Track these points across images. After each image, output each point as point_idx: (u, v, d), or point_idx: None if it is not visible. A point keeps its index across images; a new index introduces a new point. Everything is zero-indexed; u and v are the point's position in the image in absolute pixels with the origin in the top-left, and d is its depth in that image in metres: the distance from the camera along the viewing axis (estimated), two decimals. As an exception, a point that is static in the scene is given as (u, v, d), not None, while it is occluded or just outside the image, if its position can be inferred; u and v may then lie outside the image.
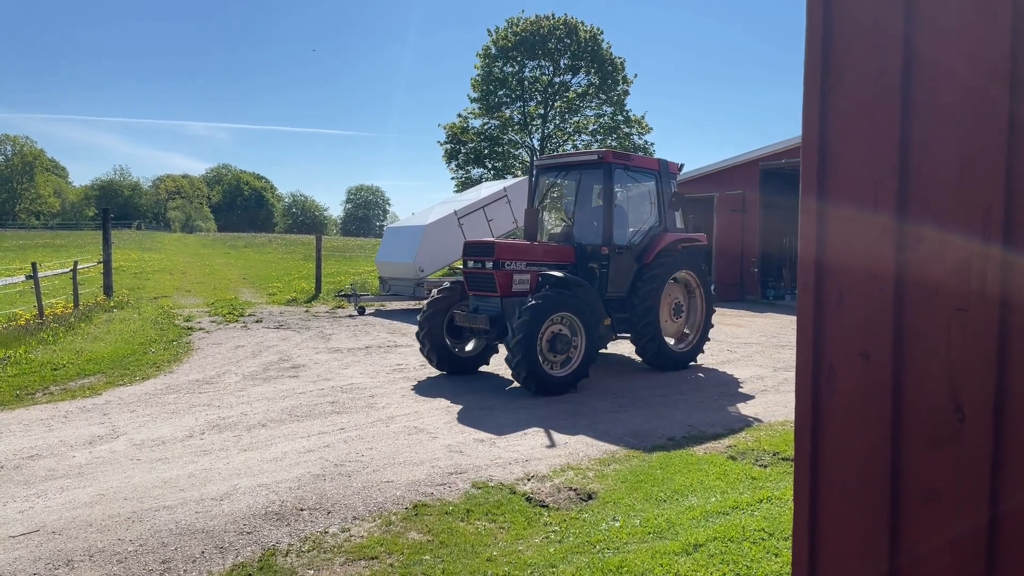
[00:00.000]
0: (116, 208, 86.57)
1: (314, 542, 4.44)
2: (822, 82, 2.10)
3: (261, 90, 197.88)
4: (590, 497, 5.29)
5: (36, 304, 13.19)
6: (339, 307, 17.73)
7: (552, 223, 13.08)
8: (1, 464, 5.83)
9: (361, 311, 16.78)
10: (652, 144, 38.70)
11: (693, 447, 6.50)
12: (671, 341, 10.43)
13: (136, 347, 11.05)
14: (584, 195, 10.36)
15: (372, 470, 5.78)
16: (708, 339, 10.84)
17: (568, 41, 35.31)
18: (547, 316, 8.30)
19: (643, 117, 37.85)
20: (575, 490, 5.43)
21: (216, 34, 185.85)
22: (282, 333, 13.36)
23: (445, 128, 37.14)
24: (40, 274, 13.29)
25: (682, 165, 10.79)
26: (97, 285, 17.33)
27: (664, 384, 9.28)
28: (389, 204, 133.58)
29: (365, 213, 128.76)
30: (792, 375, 6.00)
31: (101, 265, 17.50)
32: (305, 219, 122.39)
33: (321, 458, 6.06)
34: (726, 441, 6.71)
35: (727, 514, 4.82)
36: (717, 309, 11.89)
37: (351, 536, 4.54)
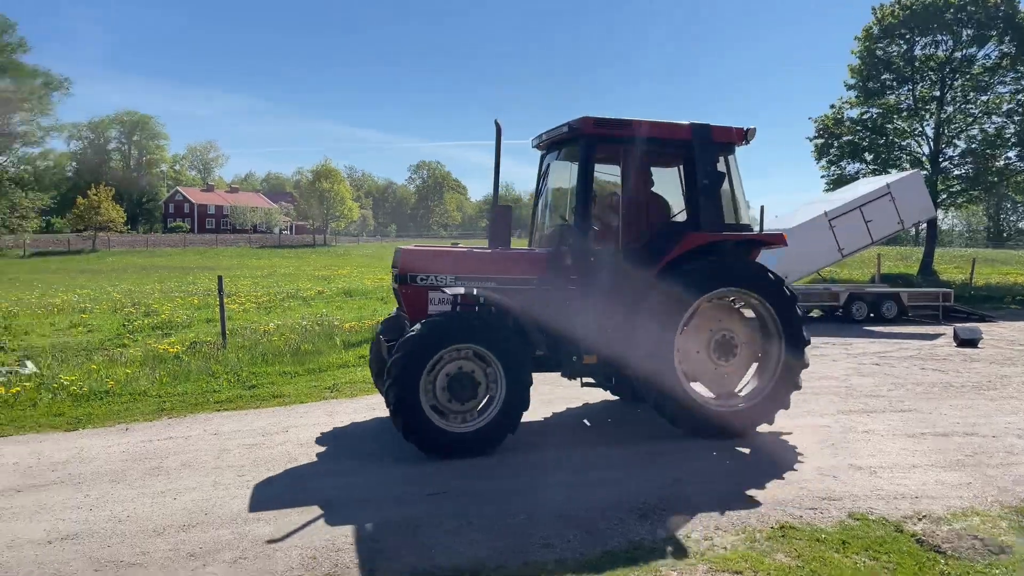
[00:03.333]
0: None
1: (676, 544, 4.50)
2: None
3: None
4: (1002, 551, 4.42)
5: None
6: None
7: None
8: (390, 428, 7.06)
9: None
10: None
11: None
12: (704, 392, 6.99)
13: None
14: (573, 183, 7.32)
15: (735, 483, 5.65)
16: (797, 389, 6.94)
17: (972, 8, 29.91)
18: (436, 350, 6.09)
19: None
20: (981, 540, 4.59)
21: (560, 49, 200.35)
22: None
23: (815, 121, 34.46)
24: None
25: (749, 130, 7.08)
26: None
27: None
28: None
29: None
30: None
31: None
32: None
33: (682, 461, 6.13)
34: None
35: None
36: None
37: (713, 545, 4.51)
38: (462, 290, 6.49)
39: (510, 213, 7.42)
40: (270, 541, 4.52)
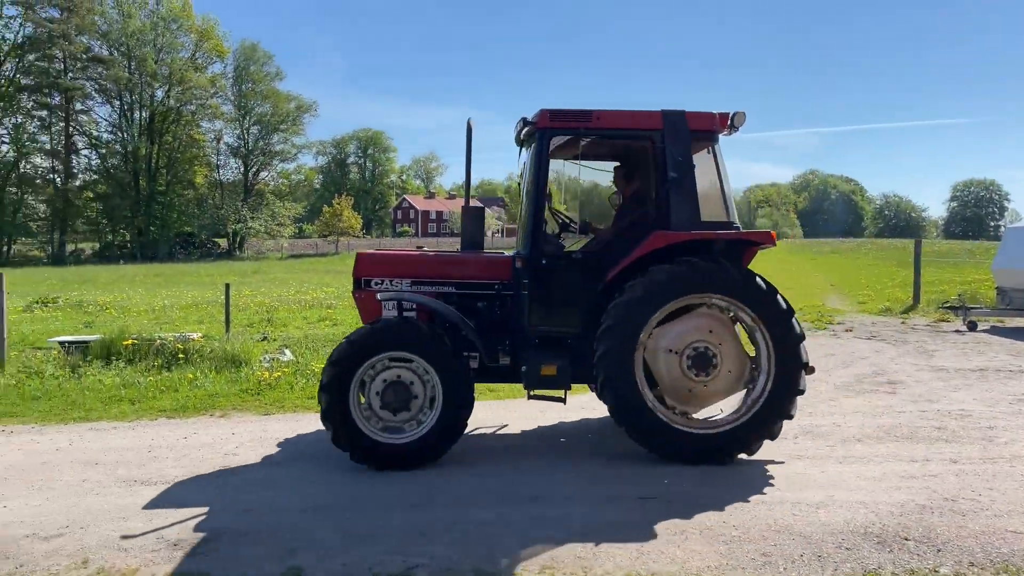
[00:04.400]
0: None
1: (920, 579, 4.04)
2: None
3: (844, 90, 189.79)
4: None
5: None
6: (942, 320, 15.67)
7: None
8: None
9: (972, 326, 14.47)
10: None
11: None
12: (690, 409, 6.15)
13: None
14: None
15: (993, 514, 4.94)
16: (787, 416, 6.04)
17: None
18: (365, 359, 5.88)
19: None
20: None
21: (785, 41, 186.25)
22: (875, 344, 12.54)
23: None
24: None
25: (736, 115, 6.33)
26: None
27: None
28: (1008, 200, 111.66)
29: (975, 212, 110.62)
30: None
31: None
32: (898, 221, 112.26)
33: (927, 487, 5.47)
34: None
35: None
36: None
37: (965, 584, 3.97)
38: (392, 294, 6.43)
39: (483, 214, 7.11)
40: (485, 525, 4.76)
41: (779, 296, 6.01)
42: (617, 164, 7.00)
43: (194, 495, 5.52)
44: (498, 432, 7.26)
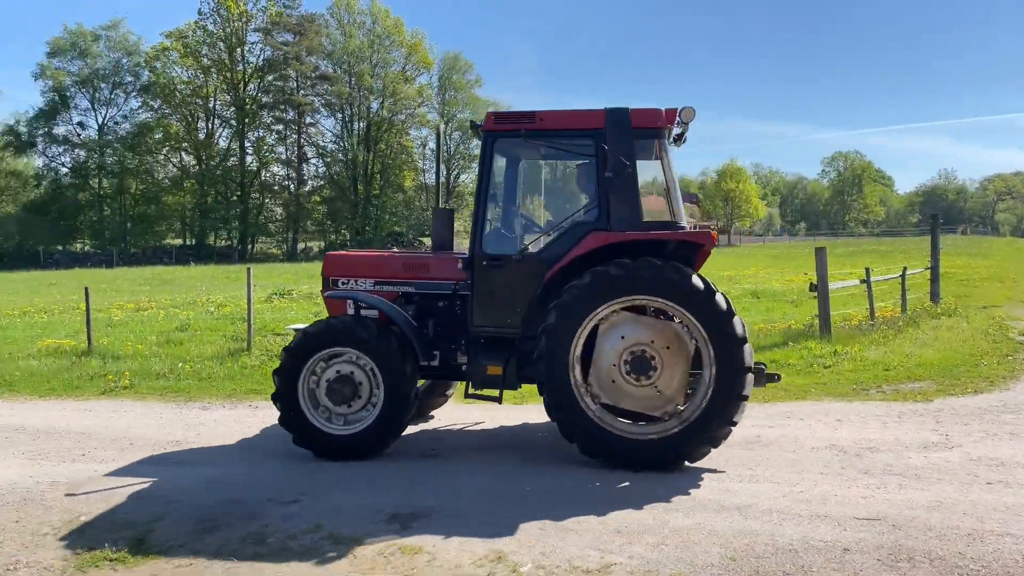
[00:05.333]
0: (940, 213, 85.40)
1: None
2: None
3: None
4: None
5: (868, 306, 14.23)
6: None
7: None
8: (844, 449, 6.51)
9: None
10: None
11: None
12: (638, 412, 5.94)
13: (965, 357, 10.59)
14: (497, 180, 7.02)
15: None
16: (730, 425, 5.80)
17: None
18: (312, 353, 6.31)
19: None
20: None
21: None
22: None
23: None
24: (872, 278, 14.28)
25: (684, 111, 6.21)
26: (923, 291, 17.42)
27: None
28: None
29: None
30: None
31: (928, 271, 17.51)
32: None
33: None
34: None
35: None
36: None
37: None
38: (342, 293, 6.78)
39: (452, 216, 7.07)
40: (684, 531, 4.65)
41: (718, 297, 5.76)
42: (579, 163, 6.90)
43: (400, 478, 5.97)
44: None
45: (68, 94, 63.91)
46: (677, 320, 5.92)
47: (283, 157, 71.09)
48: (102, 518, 5.16)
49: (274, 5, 65.33)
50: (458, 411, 8.16)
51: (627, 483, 5.64)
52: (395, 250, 7.95)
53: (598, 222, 6.15)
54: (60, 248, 61.49)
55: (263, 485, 5.79)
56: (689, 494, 5.39)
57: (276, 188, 70.77)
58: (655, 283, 5.77)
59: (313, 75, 68.43)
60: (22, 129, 63.54)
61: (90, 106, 64.83)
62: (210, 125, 67.03)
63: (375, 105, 72.62)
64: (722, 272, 33.71)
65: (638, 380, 5.80)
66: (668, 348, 5.78)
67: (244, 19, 63.74)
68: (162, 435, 7.48)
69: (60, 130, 64.67)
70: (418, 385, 6.66)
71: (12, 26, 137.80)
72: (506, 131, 6.44)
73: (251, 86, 66.52)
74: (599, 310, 5.85)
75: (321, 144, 73.88)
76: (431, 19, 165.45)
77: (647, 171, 6.55)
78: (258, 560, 4.45)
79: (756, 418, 7.59)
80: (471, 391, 6.56)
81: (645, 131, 6.24)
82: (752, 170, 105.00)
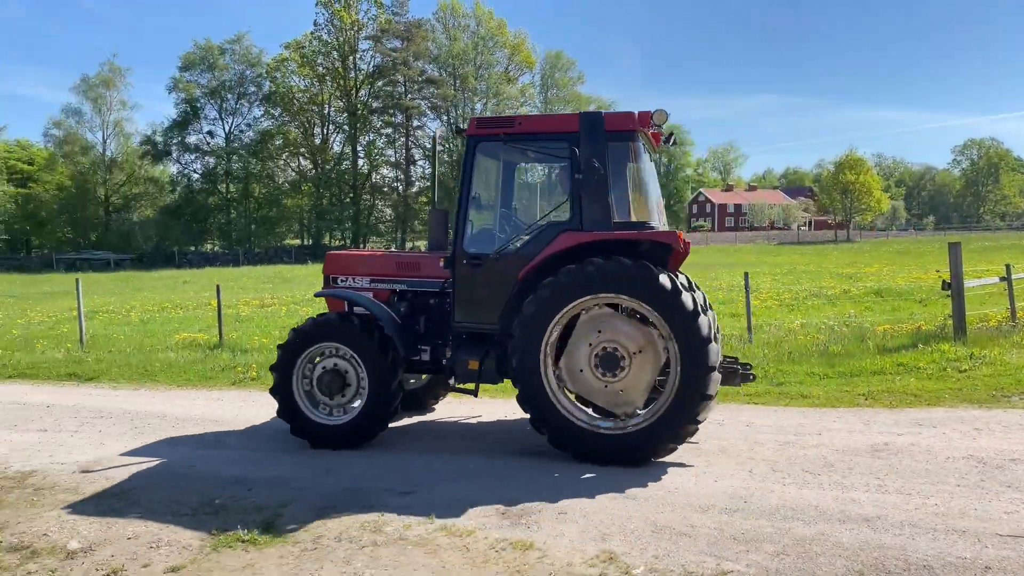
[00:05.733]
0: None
1: None
2: None
3: None
4: None
5: (1008, 306, 13.06)
6: None
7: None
8: (984, 460, 6.02)
9: None
10: None
11: None
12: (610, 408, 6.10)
13: None
14: (478, 183, 6.98)
15: None
16: (694, 424, 5.93)
17: None
18: (304, 348, 6.74)
19: None
20: None
21: None
22: None
23: None
24: (1013, 276, 13.09)
25: (656, 113, 6.34)
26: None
27: None
28: None
29: None
30: None
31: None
32: None
33: None
34: None
35: None
36: None
37: None
38: (330, 292, 7.32)
39: (447, 216, 7.16)
40: (805, 541, 4.44)
41: (684, 296, 5.81)
42: (556, 166, 7.15)
43: (492, 476, 6.03)
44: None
45: (198, 105, 68.89)
46: (652, 325, 6.00)
47: (392, 159, 73.52)
48: (234, 501, 5.52)
49: (383, 13, 67.69)
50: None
51: (739, 488, 5.45)
52: (392, 250, 9.07)
53: (571, 222, 6.35)
54: (192, 248, 66.45)
55: (379, 475, 6.01)
56: (811, 503, 5.14)
57: (386, 190, 73.28)
58: (624, 281, 5.91)
59: (420, 79, 70.33)
60: (158, 139, 69.10)
61: (218, 116, 69.70)
62: (325, 131, 70.39)
63: (479, 106, 73.82)
64: (841, 269, 32.03)
65: (604, 376, 6.01)
66: (640, 352, 5.95)
67: (356, 28, 66.41)
68: (286, 425, 7.91)
69: (192, 139, 69.93)
70: (421, 379, 7.33)
71: (148, 44, 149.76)
72: (488, 135, 6.65)
73: (362, 92, 69.18)
74: (571, 306, 6.05)
75: (427, 146, 75.89)
76: (533, 18, 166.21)
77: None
78: (376, 547, 4.63)
79: (883, 424, 7.16)
80: (453, 384, 6.86)
81: (619, 134, 6.37)
82: (873, 161, 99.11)
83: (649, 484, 5.60)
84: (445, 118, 73.27)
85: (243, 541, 4.78)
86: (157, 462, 6.57)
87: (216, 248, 69.02)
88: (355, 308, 7.11)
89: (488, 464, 6.25)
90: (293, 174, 71.58)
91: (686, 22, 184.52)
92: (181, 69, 68.87)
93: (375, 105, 70.63)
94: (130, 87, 73.38)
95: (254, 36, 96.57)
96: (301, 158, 70.96)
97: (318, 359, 6.82)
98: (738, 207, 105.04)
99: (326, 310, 7.68)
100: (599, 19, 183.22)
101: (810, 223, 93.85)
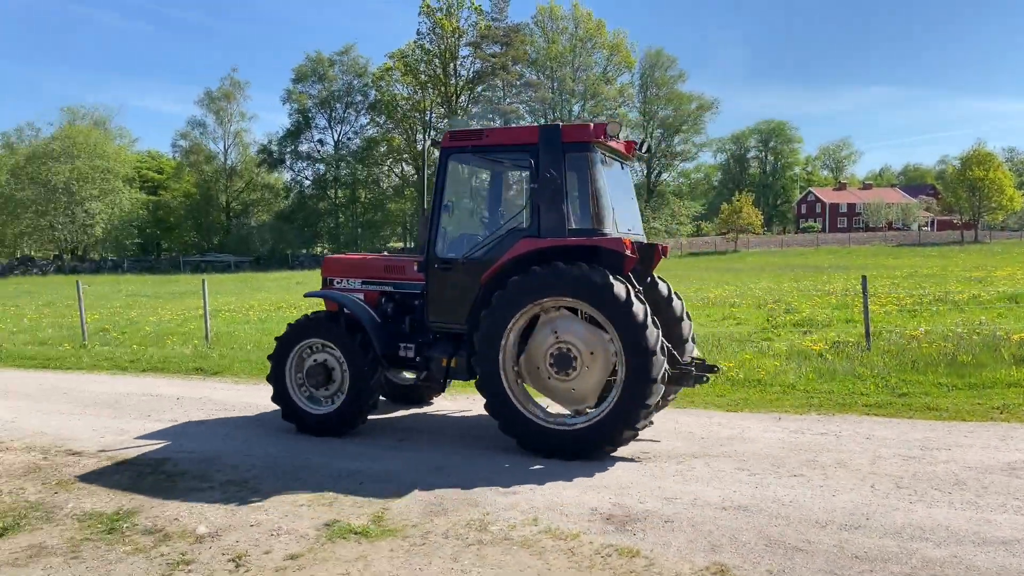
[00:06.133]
0: None
1: None
2: None
3: None
4: None
5: None
6: None
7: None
8: None
9: None
10: None
11: None
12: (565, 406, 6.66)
13: None
14: (451, 191, 7.26)
15: None
16: (645, 420, 6.39)
17: None
18: (294, 344, 7.49)
19: None
20: None
21: None
22: None
23: None
24: None
25: (610, 124, 6.69)
26: None
27: None
28: None
29: None
30: None
31: None
32: None
33: None
34: None
35: None
36: None
37: None
38: (319, 293, 8.01)
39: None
40: (936, 564, 4.12)
41: (636, 307, 6.05)
42: (520, 175, 7.49)
43: (614, 479, 5.95)
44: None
45: (310, 115, 72.42)
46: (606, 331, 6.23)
47: (491, 163, 74.52)
48: (347, 495, 5.73)
49: (483, 19, 68.71)
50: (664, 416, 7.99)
51: (860, 503, 5.14)
52: (387, 254, 9.78)
53: (530, 229, 6.66)
54: (304, 251, 69.88)
55: (483, 475, 6.08)
56: (941, 522, 4.79)
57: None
58: (578, 285, 6.21)
59: (518, 83, 70.96)
60: (273, 148, 73.15)
61: (327, 124, 73.02)
62: (426, 136, 72.29)
63: (576, 108, 73.60)
64: (969, 273, 29.75)
65: (558, 374, 6.43)
66: (592, 353, 6.30)
67: (456, 35, 67.77)
68: (390, 422, 8.16)
69: (303, 147, 73.61)
70: (412, 376, 7.87)
71: (264, 58, 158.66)
72: (459, 147, 7.03)
73: (462, 97, 70.54)
74: (528, 307, 6.41)
75: (526, 150, 76.41)
76: (634, 16, 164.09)
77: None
78: (482, 546, 4.68)
79: (1021, 440, 6.59)
80: (421, 379, 7.65)
81: (575, 145, 6.59)
82: (1004, 156, 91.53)
83: (760, 496, 5.38)
84: (543, 120, 73.63)
85: (356, 533, 4.95)
86: (275, 453, 6.92)
87: (325, 251, 72.33)
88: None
89: (591, 469, 6.17)
90: (397, 179, 73.89)
91: (792, 12, 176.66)
92: (294, 81, 72.67)
93: (474, 110, 71.79)
94: (248, 100, 78.18)
95: (361, 47, 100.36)
96: (404, 163, 73.15)
97: (309, 353, 7.48)
98: (851, 207, 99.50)
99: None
100: (701, 14, 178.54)
101: (933, 223, 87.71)
